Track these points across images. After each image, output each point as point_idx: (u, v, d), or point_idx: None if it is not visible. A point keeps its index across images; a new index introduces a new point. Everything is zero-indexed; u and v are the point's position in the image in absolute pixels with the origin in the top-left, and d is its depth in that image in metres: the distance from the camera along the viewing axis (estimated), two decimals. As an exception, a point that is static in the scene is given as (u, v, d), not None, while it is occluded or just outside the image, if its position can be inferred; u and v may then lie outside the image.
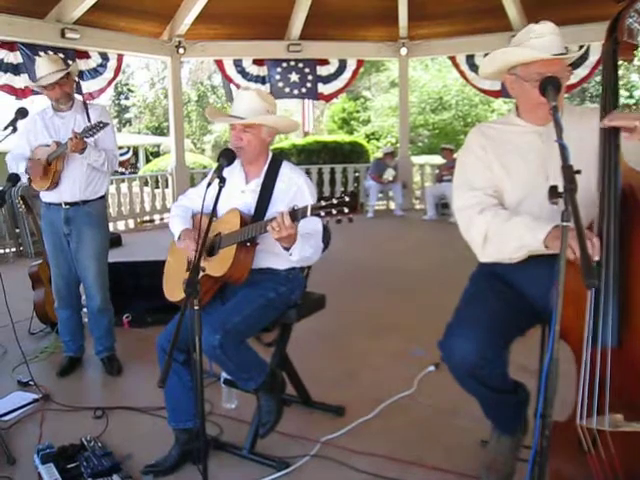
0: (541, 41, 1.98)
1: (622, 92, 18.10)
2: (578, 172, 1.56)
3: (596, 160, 1.89)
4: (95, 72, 8.81)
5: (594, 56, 8.69)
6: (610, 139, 1.85)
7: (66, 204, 3.47)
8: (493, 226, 2.01)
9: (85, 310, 3.75)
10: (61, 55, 7.85)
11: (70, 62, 5.47)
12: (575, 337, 1.71)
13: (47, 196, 3.53)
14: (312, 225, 2.45)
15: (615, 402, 1.69)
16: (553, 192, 1.55)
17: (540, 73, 1.92)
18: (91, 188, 3.50)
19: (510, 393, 2.14)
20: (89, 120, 3.42)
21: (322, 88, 10.69)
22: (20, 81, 7.73)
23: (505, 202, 2.12)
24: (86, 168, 3.43)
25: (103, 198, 3.63)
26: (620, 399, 1.70)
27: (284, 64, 10.40)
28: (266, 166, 2.67)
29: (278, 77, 10.43)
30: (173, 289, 2.70)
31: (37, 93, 3.55)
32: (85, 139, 3.22)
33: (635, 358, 1.71)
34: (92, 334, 3.69)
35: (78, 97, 3.60)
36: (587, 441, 1.71)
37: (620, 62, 2.01)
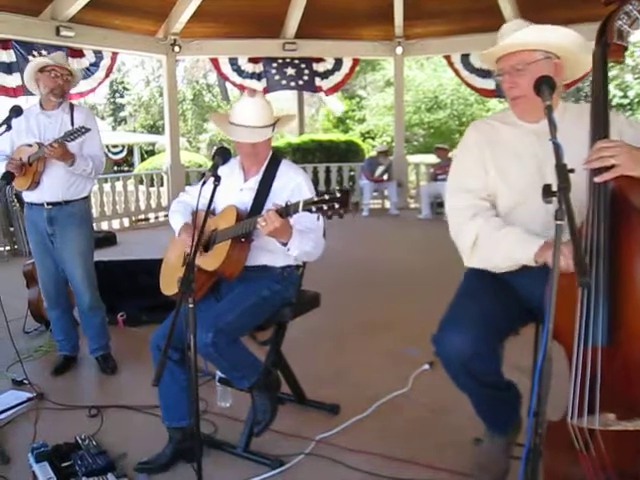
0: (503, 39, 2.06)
1: (616, 92, 18.11)
2: (572, 171, 1.56)
3: None
4: (87, 71, 8.78)
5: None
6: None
7: (48, 204, 3.40)
8: (484, 234, 2.01)
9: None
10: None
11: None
12: (567, 336, 1.71)
13: (29, 196, 3.46)
14: (309, 220, 2.39)
15: (608, 401, 1.69)
16: (547, 191, 1.55)
17: (501, 69, 2.04)
18: (73, 189, 3.43)
19: (503, 391, 2.14)
20: (72, 123, 3.35)
21: (320, 82, 10.63)
22: (12, 80, 7.70)
23: (498, 207, 2.12)
24: (67, 170, 3.36)
25: (87, 198, 3.57)
26: (613, 398, 1.70)
27: (280, 60, 10.38)
28: (265, 164, 2.67)
29: (274, 72, 10.38)
30: (168, 283, 2.71)
31: (29, 93, 3.45)
32: (70, 145, 3.17)
33: (626, 356, 1.71)
34: (85, 333, 3.68)
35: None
36: (579, 440, 1.71)
37: (612, 64, 2.01)
